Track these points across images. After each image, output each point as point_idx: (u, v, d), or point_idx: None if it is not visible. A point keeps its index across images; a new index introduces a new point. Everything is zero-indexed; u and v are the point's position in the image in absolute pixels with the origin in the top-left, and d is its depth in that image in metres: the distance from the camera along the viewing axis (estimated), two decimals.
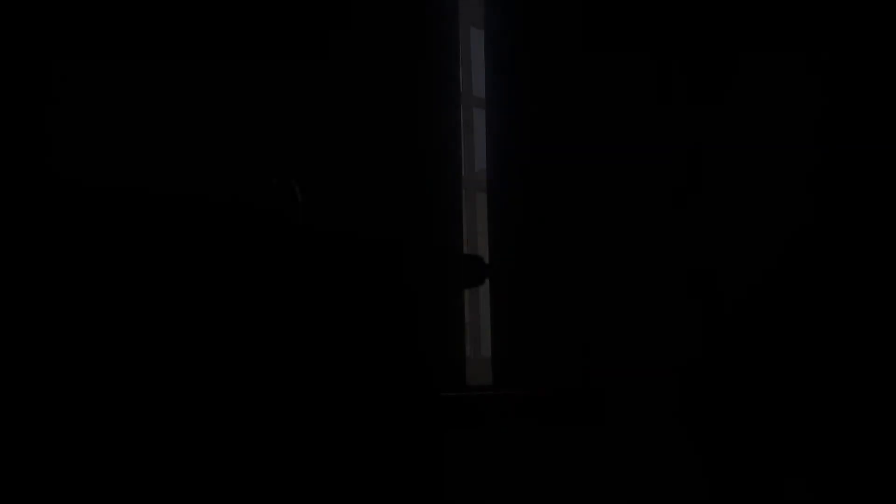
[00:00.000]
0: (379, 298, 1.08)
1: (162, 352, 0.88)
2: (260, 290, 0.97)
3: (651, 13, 2.27)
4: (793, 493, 2.02)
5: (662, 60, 2.27)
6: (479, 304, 2.12)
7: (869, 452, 1.93)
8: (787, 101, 2.09)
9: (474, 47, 2.27)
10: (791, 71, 2.08)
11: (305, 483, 0.97)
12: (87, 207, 0.86)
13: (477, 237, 2.26)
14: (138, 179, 1.39)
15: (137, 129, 1.42)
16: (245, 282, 0.96)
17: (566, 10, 2.15)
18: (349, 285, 1.05)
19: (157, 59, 1.46)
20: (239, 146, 1.54)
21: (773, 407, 2.06)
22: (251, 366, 0.95)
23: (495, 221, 2.03)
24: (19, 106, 1.28)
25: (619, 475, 2.06)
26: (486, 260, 2.11)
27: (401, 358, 1.09)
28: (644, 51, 2.25)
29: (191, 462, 0.89)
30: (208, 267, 0.93)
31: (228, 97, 1.55)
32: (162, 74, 1.47)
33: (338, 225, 1.66)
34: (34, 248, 0.82)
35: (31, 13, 1.28)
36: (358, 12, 1.77)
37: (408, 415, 1.09)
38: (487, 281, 2.09)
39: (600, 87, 2.17)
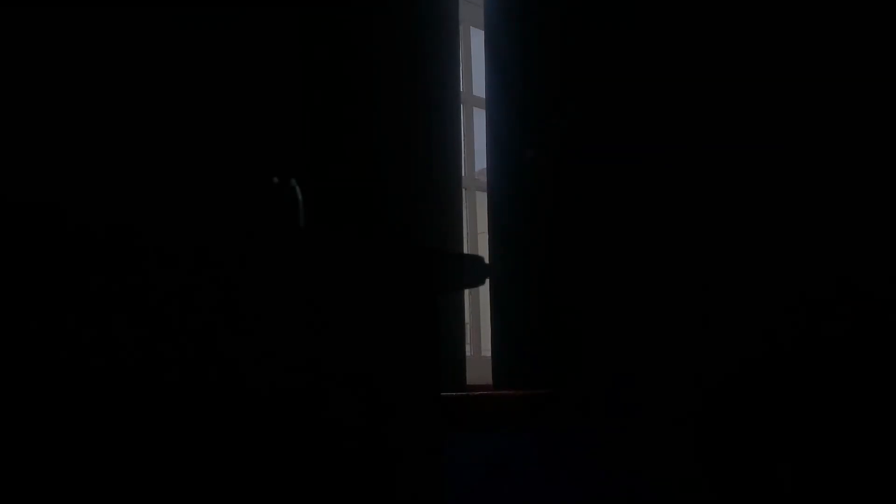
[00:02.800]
0: (381, 300, 1.08)
1: (158, 364, 0.88)
2: (260, 290, 0.97)
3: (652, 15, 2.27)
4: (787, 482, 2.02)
5: (665, 58, 2.27)
6: (479, 304, 2.12)
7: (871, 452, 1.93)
8: None
9: (474, 47, 2.27)
10: None
11: (303, 482, 0.97)
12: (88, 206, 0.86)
13: (477, 237, 2.26)
14: (131, 178, 1.39)
15: (131, 126, 1.42)
16: (245, 282, 0.96)
17: (567, 10, 2.15)
18: (351, 286, 1.05)
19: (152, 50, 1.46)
20: (237, 145, 1.54)
21: (776, 407, 2.06)
22: (249, 365, 0.95)
23: (495, 221, 2.03)
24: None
25: (620, 475, 2.06)
26: (486, 260, 2.11)
27: (403, 360, 1.09)
28: (646, 50, 2.25)
29: (187, 456, 0.89)
30: (209, 267, 0.93)
31: (228, 97, 1.55)
32: (156, 67, 1.47)
33: (337, 225, 1.66)
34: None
35: None
36: (357, 11, 1.77)
37: (408, 414, 1.09)
38: (487, 281, 2.09)
39: (601, 87, 2.17)
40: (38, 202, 0.81)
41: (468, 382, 2.06)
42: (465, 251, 2.24)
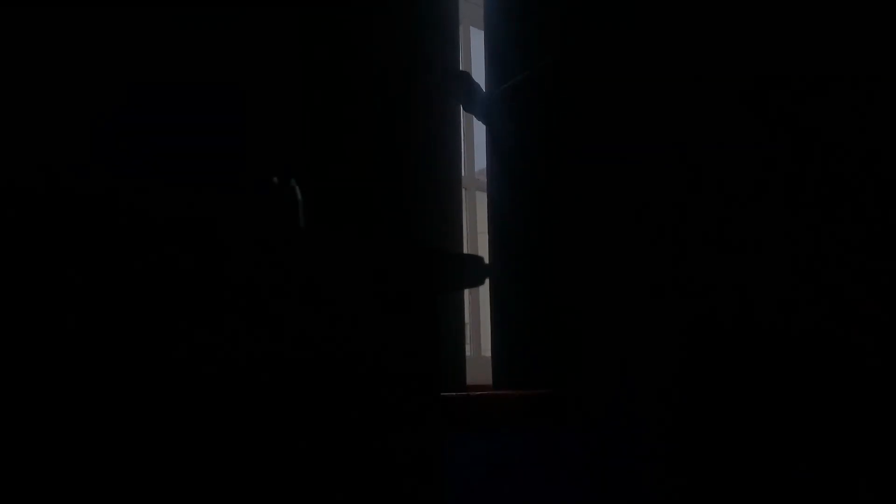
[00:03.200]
0: (381, 300, 1.08)
1: (156, 363, 0.88)
2: (258, 291, 0.97)
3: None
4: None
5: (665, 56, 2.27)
6: (479, 304, 2.12)
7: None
8: None
9: (474, 47, 2.27)
10: None
11: (303, 482, 0.97)
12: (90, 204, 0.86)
13: (477, 237, 2.26)
14: (130, 177, 1.39)
15: (130, 127, 1.42)
16: (243, 282, 0.96)
17: (567, 10, 2.15)
18: (350, 287, 1.05)
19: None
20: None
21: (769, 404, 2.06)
22: (246, 366, 0.95)
23: (495, 221, 2.03)
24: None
25: (620, 475, 2.05)
26: (486, 260, 2.11)
27: (403, 360, 1.09)
28: (647, 50, 2.25)
29: (187, 456, 0.89)
30: (207, 267, 0.93)
31: (228, 97, 1.55)
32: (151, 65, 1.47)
33: (337, 225, 1.66)
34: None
35: None
36: (357, 11, 1.77)
37: (408, 414, 1.09)
38: (487, 281, 2.09)
39: (601, 87, 2.17)
40: (39, 187, 0.81)
41: (468, 382, 2.06)
42: (465, 251, 2.24)
